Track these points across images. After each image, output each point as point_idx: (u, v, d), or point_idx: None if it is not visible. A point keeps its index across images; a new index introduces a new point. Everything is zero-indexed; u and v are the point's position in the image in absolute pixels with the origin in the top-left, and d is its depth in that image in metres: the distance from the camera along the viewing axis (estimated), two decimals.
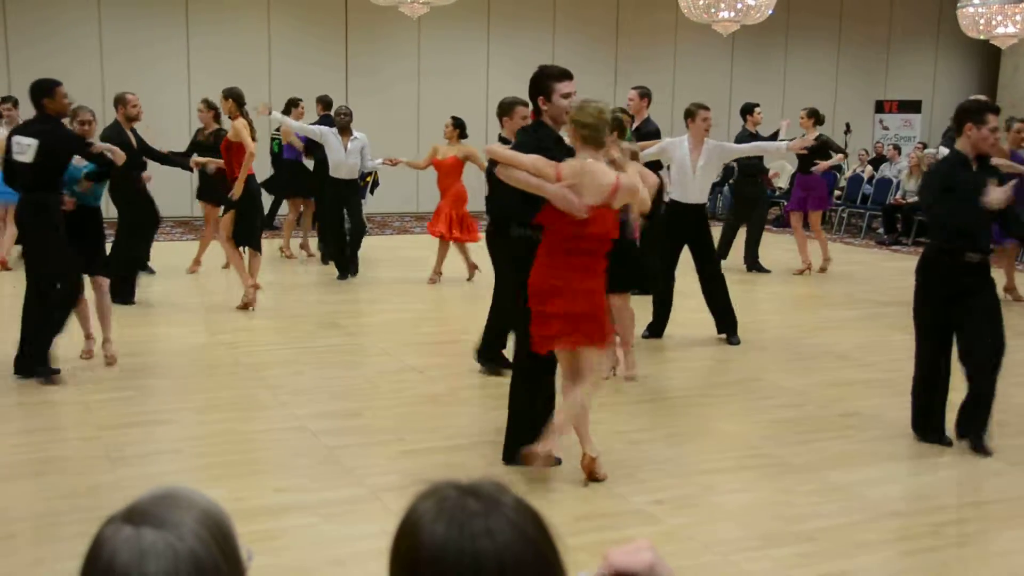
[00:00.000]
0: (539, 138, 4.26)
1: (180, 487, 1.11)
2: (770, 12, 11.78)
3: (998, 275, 8.83)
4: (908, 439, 4.94)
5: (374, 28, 14.76)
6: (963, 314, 4.66)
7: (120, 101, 7.83)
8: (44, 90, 5.66)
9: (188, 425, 5.03)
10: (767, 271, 10.22)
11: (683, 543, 3.62)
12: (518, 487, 1.14)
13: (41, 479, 4.23)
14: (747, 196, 10.33)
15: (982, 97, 5.60)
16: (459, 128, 8.93)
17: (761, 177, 10.65)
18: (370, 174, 11.29)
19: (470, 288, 8.85)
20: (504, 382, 5.79)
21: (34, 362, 5.61)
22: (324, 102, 10.85)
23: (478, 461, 4.43)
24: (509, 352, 5.37)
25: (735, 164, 10.57)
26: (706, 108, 6.80)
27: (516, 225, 4.33)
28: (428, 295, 8.81)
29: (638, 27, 16.43)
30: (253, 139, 7.79)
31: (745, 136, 9.94)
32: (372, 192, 11.50)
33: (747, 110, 10.17)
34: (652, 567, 1.19)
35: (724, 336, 6.97)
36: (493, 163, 4.38)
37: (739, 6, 11.49)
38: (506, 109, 5.90)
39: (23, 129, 5.73)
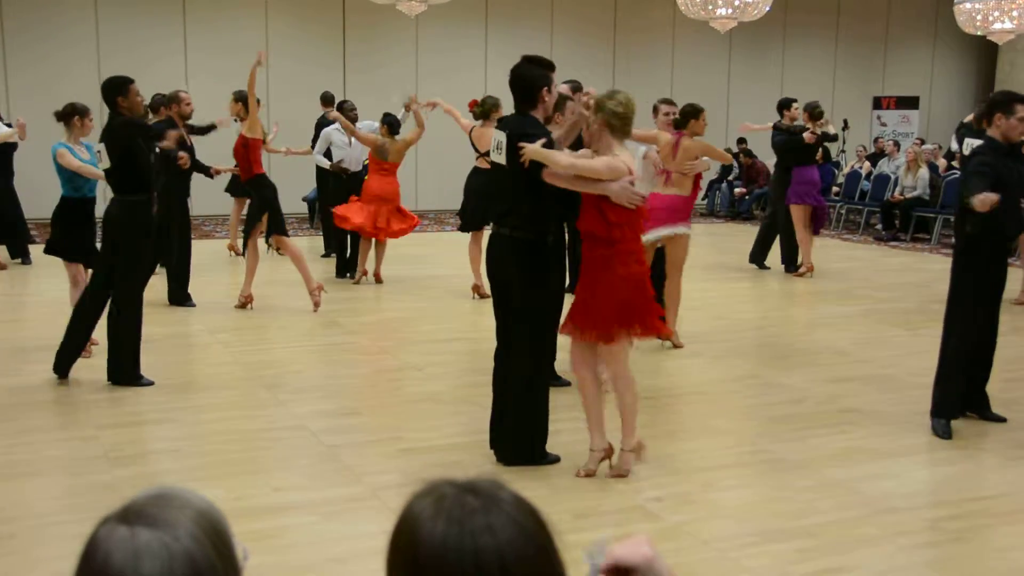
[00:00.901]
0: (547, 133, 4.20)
1: (175, 487, 1.11)
2: (767, 9, 11.78)
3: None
4: (906, 434, 4.95)
5: (372, 27, 14.76)
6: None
7: (173, 99, 7.80)
8: (117, 88, 5.52)
9: (187, 424, 5.03)
10: (767, 268, 10.21)
11: (682, 540, 3.63)
12: (516, 485, 1.14)
13: (39, 479, 4.23)
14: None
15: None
16: (388, 125, 8.88)
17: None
18: None
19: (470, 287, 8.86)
20: None
21: (123, 372, 5.58)
22: (326, 99, 10.85)
23: (477, 459, 4.43)
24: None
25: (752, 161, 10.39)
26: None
27: (513, 227, 4.25)
28: (427, 293, 8.80)
29: (636, 24, 16.44)
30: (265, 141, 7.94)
31: (781, 130, 9.84)
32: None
33: (784, 105, 9.87)
34: (651, 562, 1.20)
35: None
36: (514, 163, 4.14)
37: (736, 3, 11.49)
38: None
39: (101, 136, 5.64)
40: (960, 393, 5.01)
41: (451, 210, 13.37)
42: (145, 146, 5.74)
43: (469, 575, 1.03)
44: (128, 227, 5.55)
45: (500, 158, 4.26)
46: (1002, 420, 5.13)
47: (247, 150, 7.66)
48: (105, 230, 5.65)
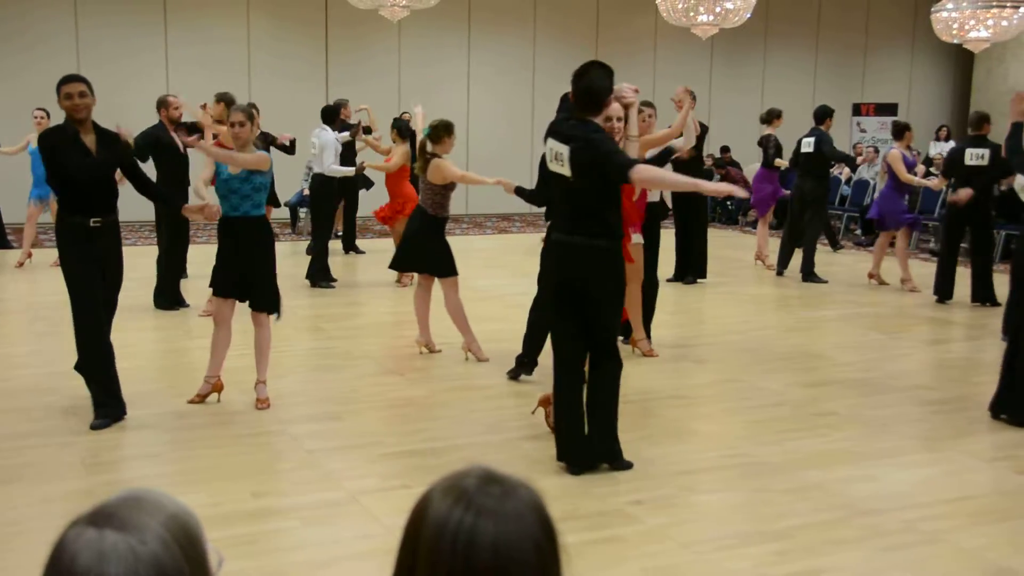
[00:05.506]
0: None
1: (149, 490, 1.11)
2: (747, 15, 11.87)
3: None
4: (884, 437, 4.99)
5: (355, 38, 14.75)
6: None
7: (162, 103, 7.72)
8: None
9: (166, 429, 5.00)
10: (824, 281, 9.97)
11: (662, 542, 3.65)
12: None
13: (14, 485, 4.19)
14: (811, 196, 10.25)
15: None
16: (397, 129, 9.11)
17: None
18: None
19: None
20: (483, 384, 5.82)
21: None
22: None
23: (457, 464, 4.40)
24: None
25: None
26: (651, 105, 6.56)
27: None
28: (409, 299, 8.78)
29: (618, 32, 16.51)
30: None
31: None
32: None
33: (827, 114, 10.71)
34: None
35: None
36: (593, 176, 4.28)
37: (718, 10, 11.58)
38: None
39: None
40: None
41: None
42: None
43: (459, 553, 1.06)
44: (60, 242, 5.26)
45: (564, 170, 4.26)
46: None
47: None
48: None
